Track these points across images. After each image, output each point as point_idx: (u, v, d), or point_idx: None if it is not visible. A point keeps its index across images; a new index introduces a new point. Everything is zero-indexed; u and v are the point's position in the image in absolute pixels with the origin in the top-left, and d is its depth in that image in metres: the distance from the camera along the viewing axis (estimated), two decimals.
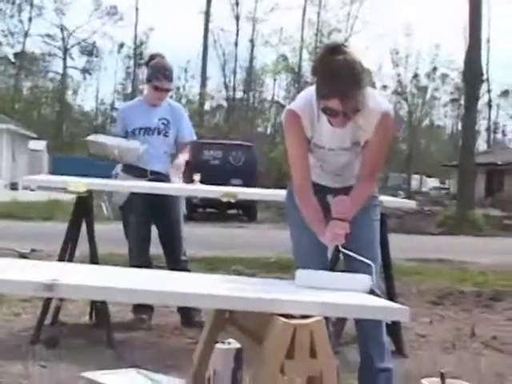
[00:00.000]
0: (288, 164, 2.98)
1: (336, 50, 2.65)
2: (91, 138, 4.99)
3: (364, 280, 2.47)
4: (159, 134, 4.85)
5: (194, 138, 5.13)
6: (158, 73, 4.82)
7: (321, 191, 2.96)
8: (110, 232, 5.28)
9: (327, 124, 2.80)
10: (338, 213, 2.77)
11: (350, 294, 2.35)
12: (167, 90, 4.89)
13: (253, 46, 46.14)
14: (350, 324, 4.51)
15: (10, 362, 3.66)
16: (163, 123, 4.86)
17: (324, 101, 2.69)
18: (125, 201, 4.79)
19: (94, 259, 4.29)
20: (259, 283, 2.83)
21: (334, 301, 2.20)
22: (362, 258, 2.74)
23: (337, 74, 2.61)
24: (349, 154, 2.94)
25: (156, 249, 4.91)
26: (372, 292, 2.45)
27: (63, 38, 52.32)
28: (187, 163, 5.04)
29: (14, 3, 50.06)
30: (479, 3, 19.20)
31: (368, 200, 2.99)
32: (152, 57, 5.03)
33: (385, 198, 4.42)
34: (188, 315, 4.75)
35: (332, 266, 3.59)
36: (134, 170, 4.82)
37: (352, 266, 2.83)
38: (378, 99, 2.88)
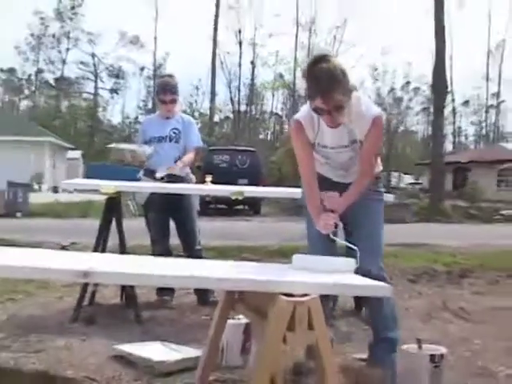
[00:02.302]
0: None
1: (320, 59, 2.68)
2: (112, 146, 5.04)
3: (349, 263, 2.46)
4: (171, 140, 4.81)
5: (201, 143, 5.05)
6: (161, 88, 4.79)
7: (328, 184, 2.98)
8: (136, 226, 5.27)
9: (326, 126, 2.82)
10: (329, 206, 2.78)
11: (344, 275, 2.33)
12: (172, 102, 4.79)
13: (254, 67, 46.25)
14: (343, 300, 4.51)
15: (55, 336, 3.65)
16: (174, 132, 4.83)
17: (311, 101, 2.72)
18: (146, 200, 4.78)
19: (123, 250, 4.28)
20: (264, 267, 2.82)
21: (328, 281, 2.19)
22: (348, 244, 2.74)
23: (318, 77, 2.64)
24: (349, 151, 2.94)
25: (176, 240, 4.90)
26: (357, 272, 2.44)
27: (94, 64, 52.63)
28: (199, 167, 5.01)
29: (54, 37, 51.08)
30: (443, 29, 19.24)
31: (371, 195, 3.00)
32: (161, 76, 5.01)
33: None
34: (203, 295, 4.74)
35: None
36: (153, 174, 4.80)
37: (350, 252, 2.81)
38: (370, 104, 2.90)
